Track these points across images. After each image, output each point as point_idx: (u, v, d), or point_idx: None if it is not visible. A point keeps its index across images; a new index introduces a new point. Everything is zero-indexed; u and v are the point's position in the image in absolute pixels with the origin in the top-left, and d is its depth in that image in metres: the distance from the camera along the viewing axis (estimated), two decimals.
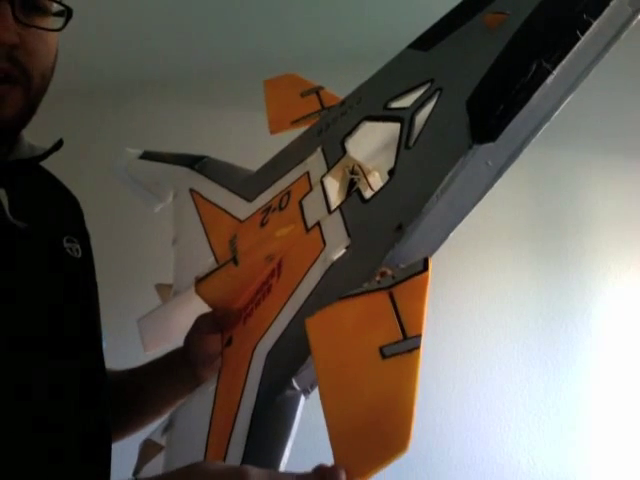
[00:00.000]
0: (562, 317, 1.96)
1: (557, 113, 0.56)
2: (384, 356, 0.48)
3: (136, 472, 0.69)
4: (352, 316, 0.53)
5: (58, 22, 0.65)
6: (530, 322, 1.96)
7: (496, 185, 0.58)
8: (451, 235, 0.58)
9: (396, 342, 0.49)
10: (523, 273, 1.99)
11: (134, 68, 2.11)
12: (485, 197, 0.59)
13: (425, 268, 0.54)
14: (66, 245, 0.71)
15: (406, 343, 0.49)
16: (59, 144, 0.73)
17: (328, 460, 0.47)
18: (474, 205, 0.57)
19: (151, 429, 0.84)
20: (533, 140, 0.56)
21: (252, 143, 1.40)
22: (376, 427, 0.45)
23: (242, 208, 0.86)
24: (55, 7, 0.64)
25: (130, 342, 0.96)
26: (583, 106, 1.99)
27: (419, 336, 0.49)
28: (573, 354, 1.93)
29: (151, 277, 1.04)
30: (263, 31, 1.96)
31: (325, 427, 0.48)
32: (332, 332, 0.54)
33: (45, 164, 0.79)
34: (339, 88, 0.92)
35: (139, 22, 1.91)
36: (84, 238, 0.76)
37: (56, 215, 0.75)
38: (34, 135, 0.75)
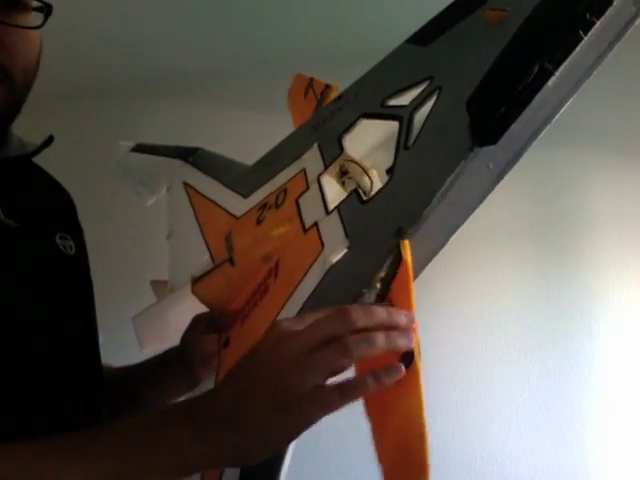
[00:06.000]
0: (562, 316, 1.95)
1: (559, 115, 0.56)
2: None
3: None
4: None
5: (38, 18, 0.64)
6: (530, 322, 1.96)
7: (497, 185, 0.57)
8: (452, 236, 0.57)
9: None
10: (523, 273, 1.99)
11: (134, 68, 2.10)
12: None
13: (400, 256, 0.53)
14: (59, 242, 0.70)
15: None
16: (49, 140, 0.72)
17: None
18: (475, 208, 0.56)
19: None
20: (535, 142, 0.56)
21: (252, 143, 1.38)
22: (400, 464, 0.46)
23: (237, 204, 0.85)
24: (35, 3, 0.64)
25: (126, 338, 0.96)
26: (583, 106, 1.96)
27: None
28: (573, 354, 1.93)
29: (146, 272, 1.03)
30: (263, 31, 1.95)
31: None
32: None
33: (44, 163, 0.78)
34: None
35: (140, 22, 1.89)
36: (77, 233, 0.76)
37: (49, 212, 0.74)
38: (33, 135, 0.74)
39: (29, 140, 0.73)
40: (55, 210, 0.75)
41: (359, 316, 0.47)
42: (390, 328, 0.47)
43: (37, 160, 0.74)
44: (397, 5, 1.82)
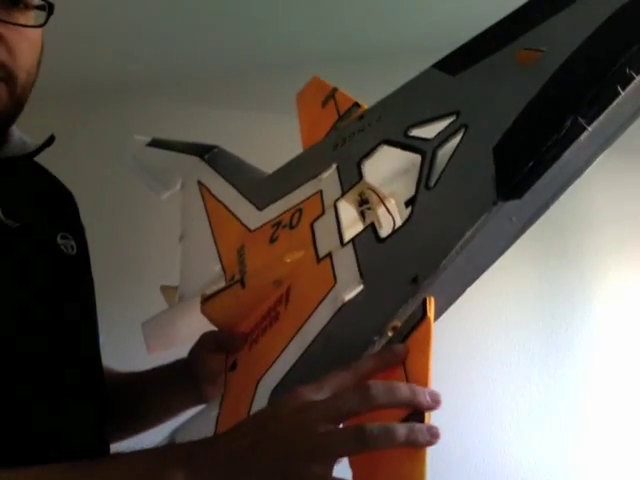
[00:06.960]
0: (563, 317, 1.93)
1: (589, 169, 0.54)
2: None
3: None
4: None
5: (40, 17, 0.64)
6: (531, 322, 1.94)
7: (519, 238, 0.56)
8: None
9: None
10: (523, 272, 1.95)
11: (134, 68, 2.08)
12: None
13: (424, 313, 0.51)
14: (60, 242, 0.70)
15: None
16: (51, 140, 0.72)
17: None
18: (494, 261, 0.55)
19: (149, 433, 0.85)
20: (561, 197, 0.54)
21: (252, 143, 1.37)
22: None
23: (252, 216, 0.84)
24: (36, 1, 0.63)
25: (127, 338, 0.96)
26: None
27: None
28: (574, 354, 1.92)
29: (147, 272, 1.02)
30: (263, 32, 1.92)
31: None
32: None
33: (44, 163, 0.77)
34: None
35: (140, 22, 1.88)
36: (79, 233, 0.75)
37: (50, 211, 0.73)
38: (33, 134, 0.73)
39: (30, 140, 0.72)
40: (56, 209, 0.75)
41: (380, 394, 0.46)
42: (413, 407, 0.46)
43: (38, 159, 0.73)
44: (397, 6, 1.78)
